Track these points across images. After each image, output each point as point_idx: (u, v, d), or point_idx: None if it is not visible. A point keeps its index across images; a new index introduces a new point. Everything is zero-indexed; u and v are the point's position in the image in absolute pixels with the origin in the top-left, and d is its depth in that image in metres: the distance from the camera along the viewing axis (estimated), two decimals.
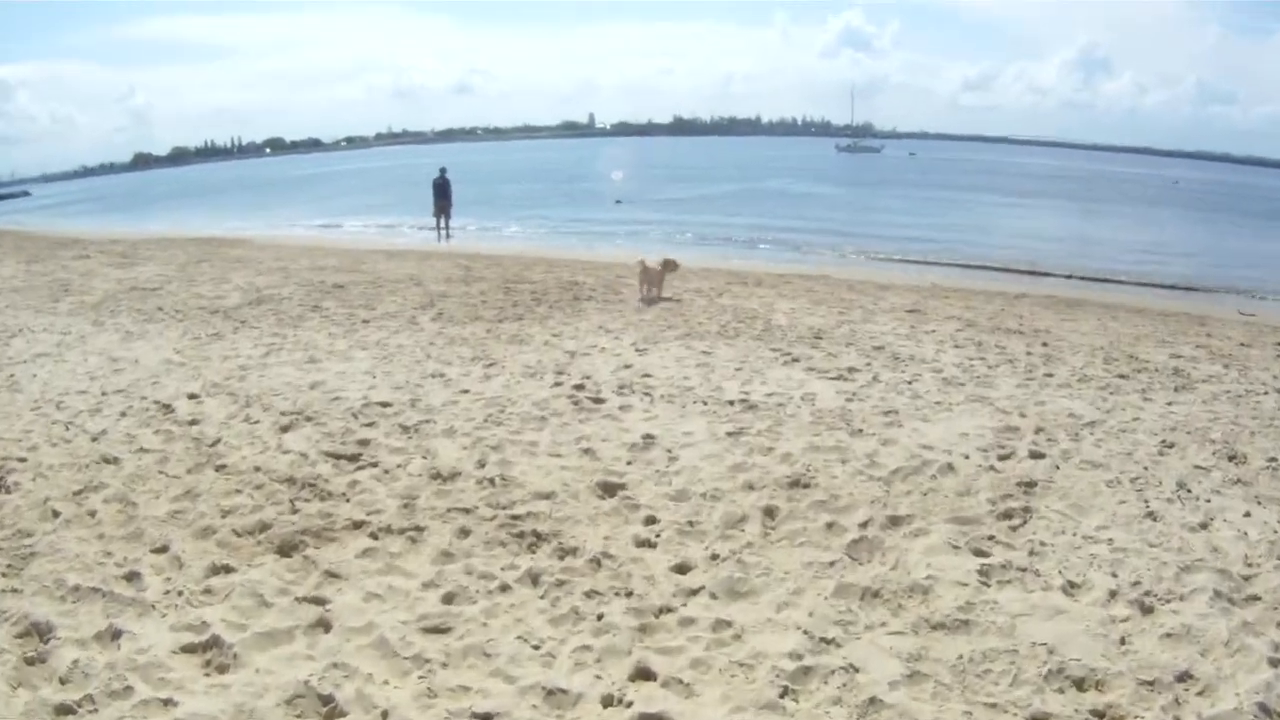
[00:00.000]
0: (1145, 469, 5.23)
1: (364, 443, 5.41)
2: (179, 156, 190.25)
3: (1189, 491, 4.92)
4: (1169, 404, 6.72)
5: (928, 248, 21.36)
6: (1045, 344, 8.93)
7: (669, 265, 10.97)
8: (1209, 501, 4.82)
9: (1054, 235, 27.67)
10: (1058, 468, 5.19)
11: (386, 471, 4.98)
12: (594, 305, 10.29)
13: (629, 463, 5.18)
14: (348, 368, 7.24)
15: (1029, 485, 4.91)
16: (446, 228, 21.37)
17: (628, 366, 7.30)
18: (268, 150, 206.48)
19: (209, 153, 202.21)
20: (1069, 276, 17.83)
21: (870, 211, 32.77)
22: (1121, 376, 7.56)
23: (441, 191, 21.08)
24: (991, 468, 5.17)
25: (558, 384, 6.72)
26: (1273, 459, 5.51)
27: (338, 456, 5.18)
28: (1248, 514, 4.68)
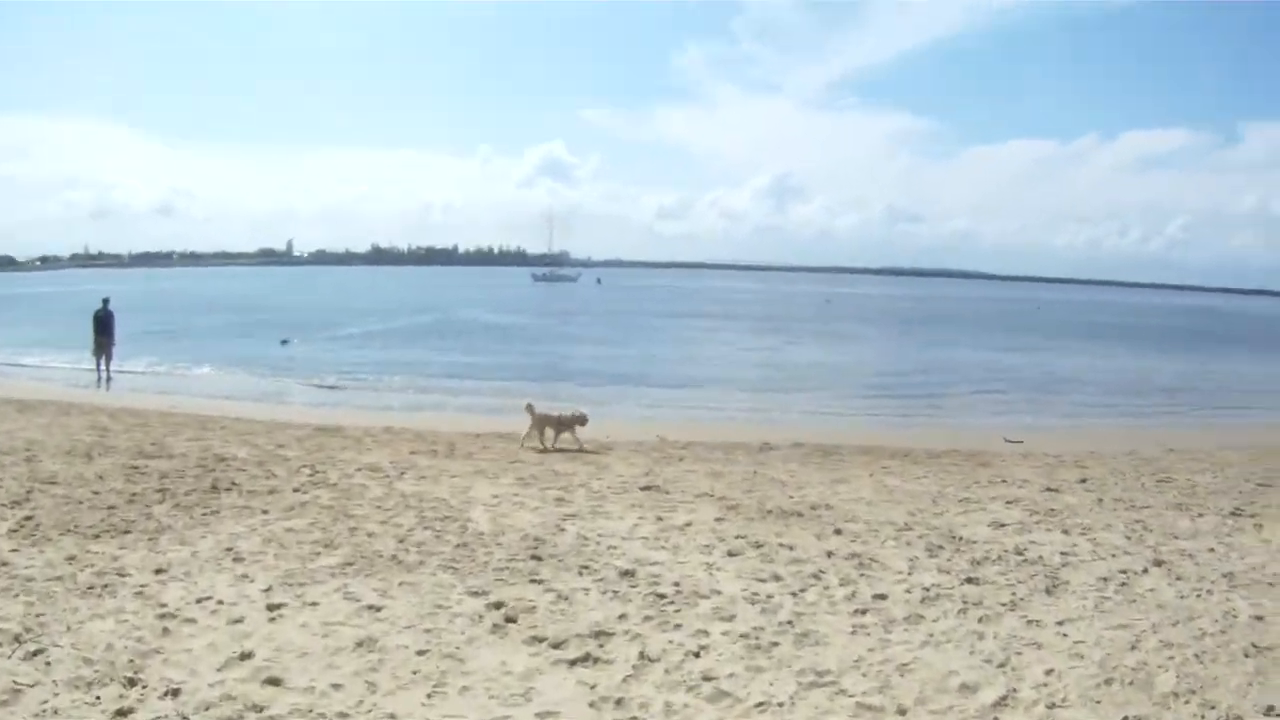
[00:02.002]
0: None
1: None
2: None
3: None
4: (1060, 625, 5.35)
5: (633, 388, 21.56)
6: (839, 531, 7.49)
7: (578, 420, 12.26)
8: None
9: (762, 361, 29.88)
10: None
11: None
12: (234, 500, 8.26)
13: None
14: None
15: None
16: (107, 369, 21.14)
17: (245, 656, 4.72)
18: None
19: None
20: (804, 413, 18.25)
21: (569, 343, 34.77)
22: (970, 581, 6.15)
23: (103, 326, 20.92)
24: None
25: (119, 715, 4.05)
26: (1271, 709, 4.21)
27: None
28: None
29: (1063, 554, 6.95)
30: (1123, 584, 6.23)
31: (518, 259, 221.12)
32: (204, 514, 7.61)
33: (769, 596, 5.72)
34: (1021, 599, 5.84)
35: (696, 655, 4.76)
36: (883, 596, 5.80)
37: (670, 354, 31.23)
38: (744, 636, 5.02)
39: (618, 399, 19.65)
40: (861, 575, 6.24)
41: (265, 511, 7.76)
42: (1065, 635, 5.21)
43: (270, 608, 5.38)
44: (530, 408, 12.19)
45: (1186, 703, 4.38)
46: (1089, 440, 14.39)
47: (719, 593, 5.78)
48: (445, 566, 6.30)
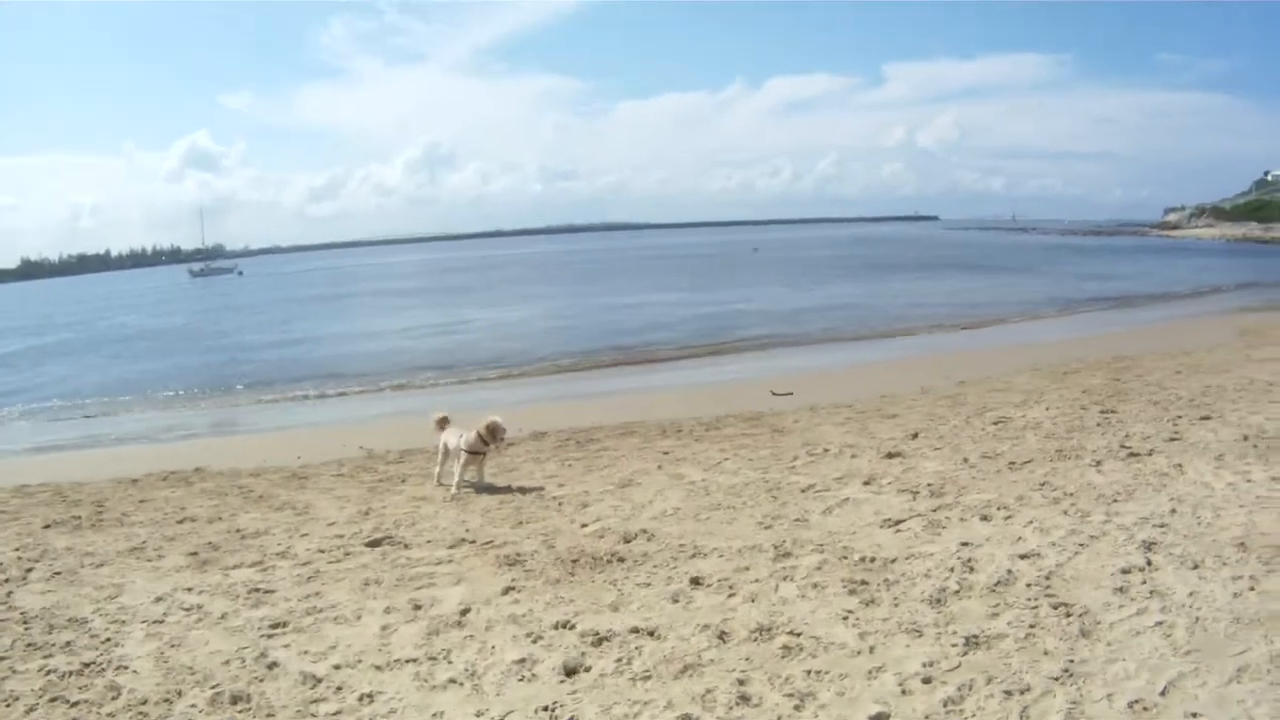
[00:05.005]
0: None
1: None
2: None
3: None
4: (1165, 697, 3.45)
5: (312, 383, 18.63)
6: (697, 581, 5.04)
7: (491, 430, 7.93)
8: None
9: (446, 334, 27.63)
10: None
11: None
12: None
13: None
14: None
15: None
16: None
17: None
18: None
19: None
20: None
21: (227, 340, 30.78)
22: (970, 643, 4.00)
23: None
24: None
25: None
26: None
27: None
28: None
29: (1023, 557, 5.11)
30: (1151, 593, 4.49)
31: (172, 257, 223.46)
32: None
33: None
34: (1071, 662, 3.82)
35: None
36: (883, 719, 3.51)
37: (342, 340, 27.75)
38: None
39: (295, 402, 16.26)
40: (808, 676, 3.85)
41: None
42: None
43: None
44: (442, 423, 8.42)
45: None
46: (854, 383, 13.42)
47: None
48: None
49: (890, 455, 8.06)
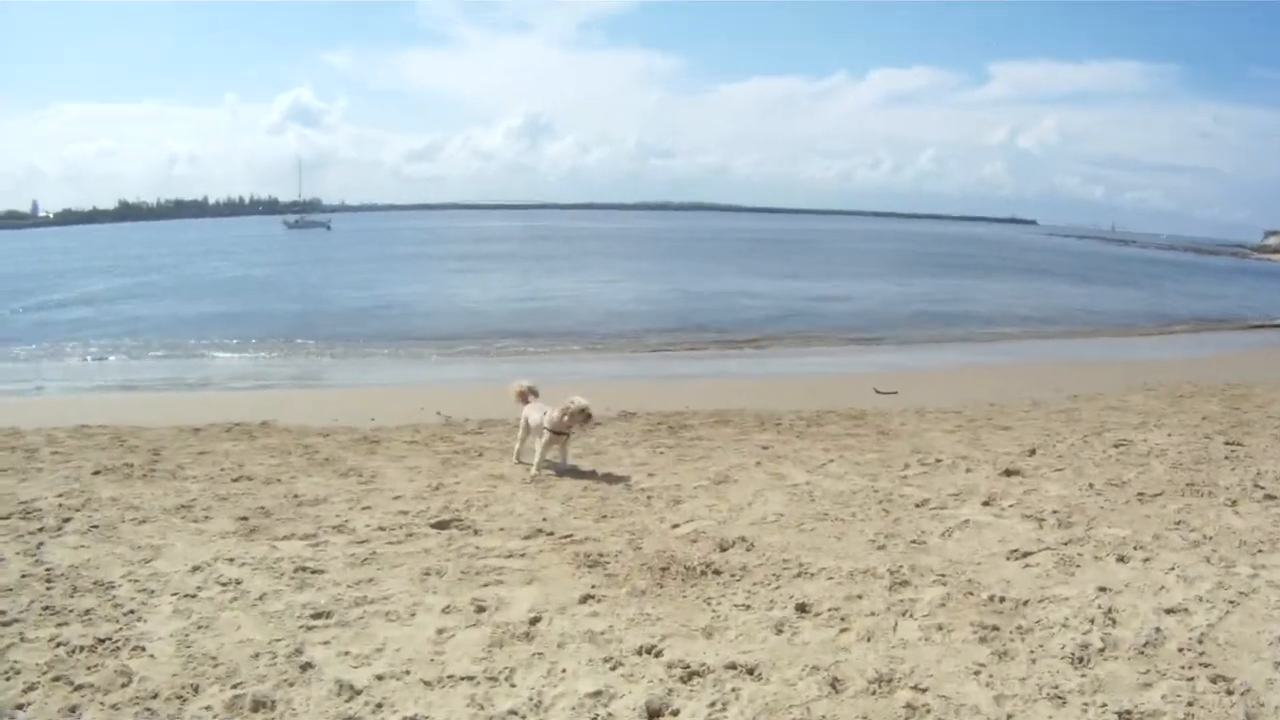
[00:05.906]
0: None
1: None
2: None
3: None
4: None
5: (393, 343, 18.59)
6: (804, 607, 4.59)
7: (580, 416, 7.49)
8: None
9: (536, 302, 27.53)
10: None
11: None
12: None
13: None
14: None
15: None
16: None
17: None
18: None
19: None
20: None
21: (312, 293, 31.17)
22: None
23: None
24: None
25: None
26: None
27: None
28: None
29: (1169, 612, 4.52)
30: None
31: (269, 207, 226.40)
32: None
33: None
34: None
35: None
36: None
37: (426, 300, 28.11)
38: None
39: (374, 360, 16.36)
40: None
41: None
42: None
43: None
44: (524, 395, 8.07)
45: None
46: (959, 386, 12.75)
47: None
48: None
49: (1009, 473, 7.46)
